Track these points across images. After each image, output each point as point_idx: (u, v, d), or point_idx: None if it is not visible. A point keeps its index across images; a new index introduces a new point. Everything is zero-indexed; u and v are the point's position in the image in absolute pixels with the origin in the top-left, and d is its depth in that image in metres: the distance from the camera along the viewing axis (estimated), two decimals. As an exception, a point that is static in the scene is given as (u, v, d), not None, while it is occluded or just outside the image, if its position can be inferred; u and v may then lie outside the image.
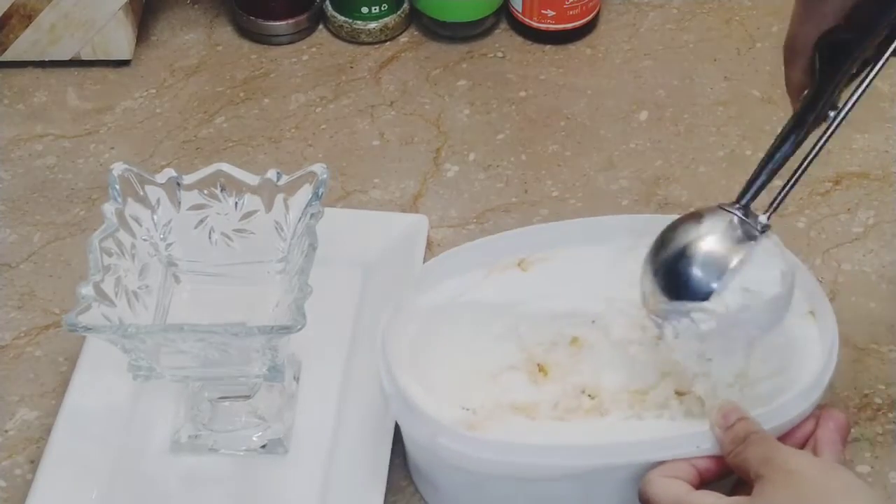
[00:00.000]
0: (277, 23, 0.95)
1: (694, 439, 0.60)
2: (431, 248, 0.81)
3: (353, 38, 0.96)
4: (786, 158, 0.62)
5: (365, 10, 0.94)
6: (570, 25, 0.94)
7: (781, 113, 0.90)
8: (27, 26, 0.90)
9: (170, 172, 0.67)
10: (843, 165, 0.86)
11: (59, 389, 0.73)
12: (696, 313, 0.61)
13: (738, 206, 0.63)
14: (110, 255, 0.64)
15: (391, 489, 0.68)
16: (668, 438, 0.61)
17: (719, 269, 0.61)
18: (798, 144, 0.62)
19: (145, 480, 0.69)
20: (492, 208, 0.84)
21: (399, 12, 0.96)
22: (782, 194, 0.62)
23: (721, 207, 0.63)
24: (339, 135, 0.89)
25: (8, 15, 0.89)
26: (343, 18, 0.95)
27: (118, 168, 0.66)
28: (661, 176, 0.86)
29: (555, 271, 0.69)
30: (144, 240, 0.67)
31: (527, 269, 0.69)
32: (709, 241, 0.61)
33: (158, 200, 0.67)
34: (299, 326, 0.60)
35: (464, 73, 0.93)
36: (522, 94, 0.92)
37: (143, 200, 0.67)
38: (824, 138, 0.62)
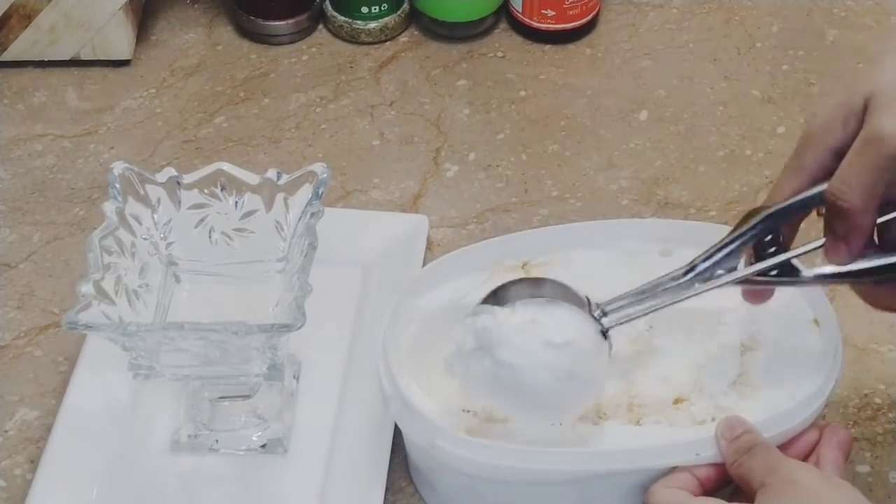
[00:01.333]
0: (277, 23, 0.95)
1: (693, 446, 0.60)
2: (431, 248, 0.81)
3: (353, 38, 0.96)
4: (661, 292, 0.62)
5: (365, 10, 0.94)
6: (569, 25, 0.94)
7: (781, 112, 0.90)
8: (27, 26, 0.90)
9: (170, 171, 0.67)
10: (843, 165, 0.86)
11: (59, 389, 0.73)
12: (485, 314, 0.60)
13: (598, 307, 0.62)
14: (110, 253, 0.64)
15: (391, 489, 0.68)
16: (666, 445, 0.61)
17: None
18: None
19: (145, 480, 0.69)
20: (492, 208, 0.84)
21: (399, 12, 0.96)
22: (633, 317, 0.62)
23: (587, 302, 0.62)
24: (339, 135, 0.89)
25: (8, 15, 0.89)
26: (343, 18, 0.95)
27: (119, 167, 0.66)
28: (661, 176, 0.86)
29: (557, 275, 0.69)
30: (145, 239, 0.67)
31: (530, 273, 0.69)
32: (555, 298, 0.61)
33: (159, 199, 0.67)
34: (299, 325, 0.60)
35: (464, 72, 0.93)
36: (522, 93, 0.92)
37: (144, 199, 0.67)
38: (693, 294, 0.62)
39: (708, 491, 0.60)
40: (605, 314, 0.62)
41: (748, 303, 0.63)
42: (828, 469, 0.60)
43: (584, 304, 0.61)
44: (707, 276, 0.61)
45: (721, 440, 0.60)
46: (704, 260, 0.61)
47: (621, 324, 0.62)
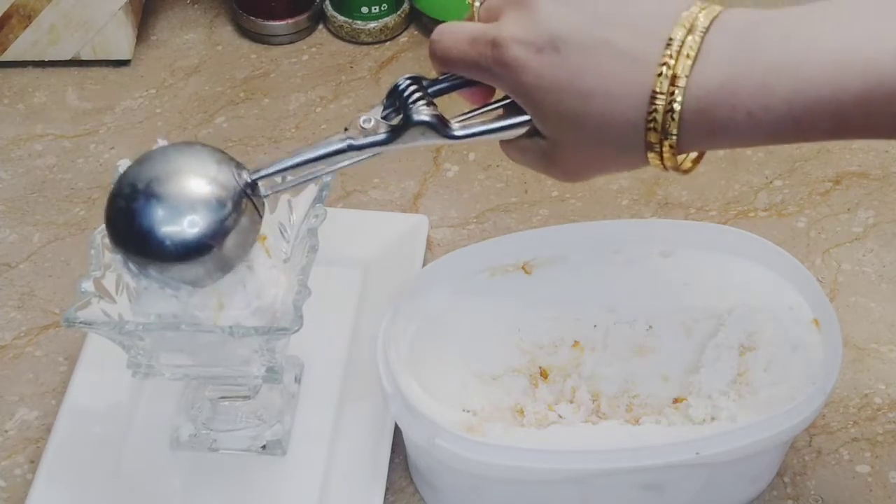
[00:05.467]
0: (277, 23, 0.95)
1: (692, 446, 0.60)
2: (431, 248, 0.81)
3: (353, 38, 0.96)
4: (322, 160, 0.58)
5: (365, 10, 0.94)
6: (570, 25, 0.94)
7: (781, 113, 0.90)
8: (27, 26, 0.90)
9: None
10: (843, 165, 0.86)
11: (59, 389, 0.73)
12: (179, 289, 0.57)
13: (248, 174, 0.58)
14: (112, 251, 0.64)
15: (391, 489, 0.68)
16: (665, 444, 0.61)
17: (224, 261, 0.57)
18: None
19: (145, 480, 0.69)
20: (492, 208, 0.84)
21: (399, 12, 0.96)
22: (291, 183, 0.59)
23: (226, 159, 0.58)
24: (339, 135, 0.89)
25: (8, 15, 0.89)
26: (343, 18, 0.95)
27: (123, 165, 0.66)
28: (661, 176, 0.86)
29: (558, 275, 0.69)
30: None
31: (530, 272, 0.69)
32: (224, 213, 0.55)
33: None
34: (296, 328, 0.60)
35: (464, 72, 0.93)
36: (522, 94, 0.92)
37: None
38: (352, 162, 0.58)
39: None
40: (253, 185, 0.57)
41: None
42: None
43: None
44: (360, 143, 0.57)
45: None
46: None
47: (276, 191, 0.58)
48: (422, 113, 0.57)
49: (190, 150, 0.58)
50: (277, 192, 0.59)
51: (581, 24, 0.51)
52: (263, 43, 0.96)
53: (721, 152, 0.87)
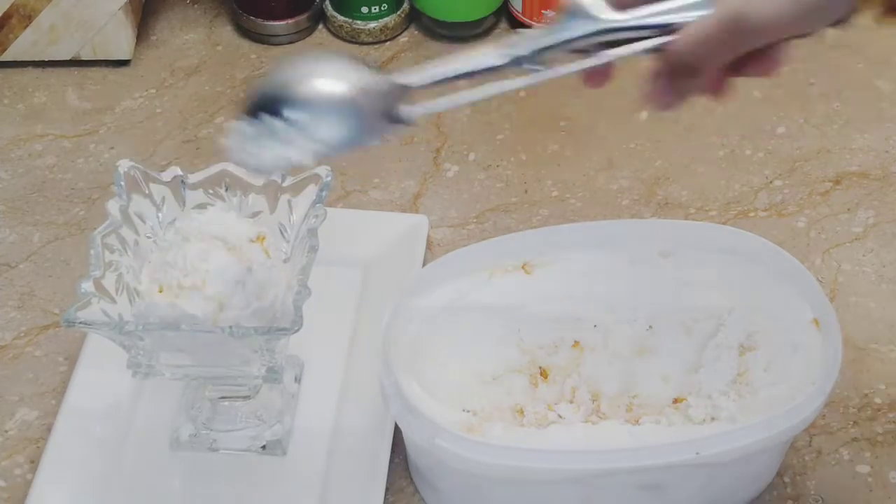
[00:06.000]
0: (277, 23, 0.95)
1: (692, 445, 0.60)
2: (431, 248, 0.81)
3: (353, 38, 0.96)
4: (480, 74, 0.55)
5: (365, 10, 0.94)
6: (570, 25, 0.94)
7: (781, 112, 0.90)
8: (27, 26, 0.90)
9: (175, 171, 0.67)
10: (842, 165, 0.86)
11: (59, 389, 0.73)
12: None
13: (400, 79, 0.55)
14: (112, 251, 0.64)
15: (391, 489, 0.68)
16: (665, 444, 0.61)
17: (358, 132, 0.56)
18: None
19: (145, 480, 0.69)
20: (492, 208, 0.84)
21: (399, 12, 0.96)
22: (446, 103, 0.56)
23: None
24: (339, 135, 0.89)
25: (8, 15, 0.89)
26: (343, 18, 0.95)
27: (124, 165, 0.66)
28: (661, 176, 0.86)
29: (558, 275, 0.69)
30: (148, 237, 0.67)
31: (530, 272, 0.69)
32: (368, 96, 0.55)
33: (163, 198, 0.67)
34: (296, 328, 0.60)
35: (464, 72, 0.93)
36: (522, 93, 0.92)
37: (149, 198, 0.67)
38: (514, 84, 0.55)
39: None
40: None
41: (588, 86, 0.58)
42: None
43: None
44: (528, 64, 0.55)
45: None
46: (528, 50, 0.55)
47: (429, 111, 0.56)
48: None
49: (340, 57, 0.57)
50: (431, 110, 0.56)
51: None
52: (263, 43, 0.96)
53: (720, 152, 0.87)
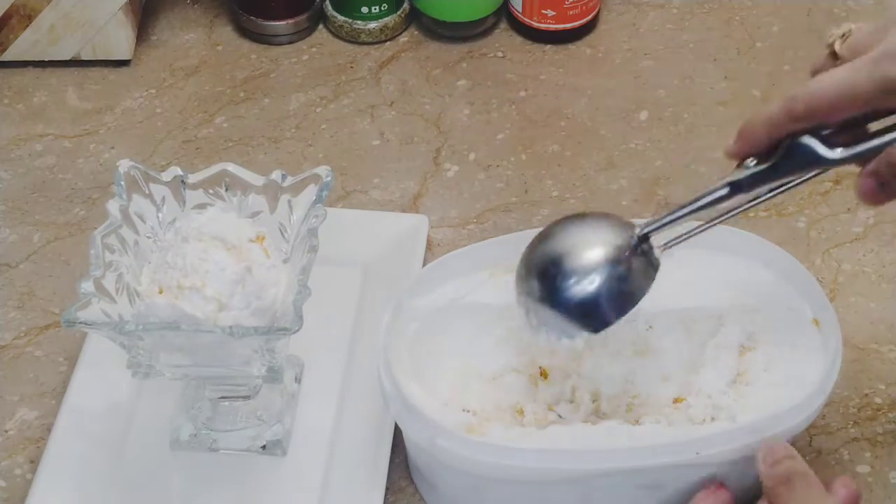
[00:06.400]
0: (277, 23, 0.95)
1: (692, 446, 0.60)
2: (431, 248, 0.81)
3: (353, 38, 0.96)
4: (706, 208, 0.60)
5: (365, 9, 0.94)
6: (570, 25, 0.94)
7: (781, 113, 0.90)
8: (27, 26, 0.90)
9: (175, 171, 0.67)
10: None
11: (59, 389, 0.73)
12: (575, 336, 0.61)
13: (639, 230, 0.61)
14: (112, 251, 0.64)
15: (391, 489, 0.68)
16: (665, 444, 0.61)
17: (621, 307, 0.60)
18: (723, 200, 0.60)
19: (145, 480, 0.69)
20: (492, 208, 0.84)
21: (399, 12, 0.96)
22: (682, 237, 0.62)
23: (623, 224, 0.62)
24: (339, 135, 0.89)
25: (8, 15, 0.89)
26: (343, 18, 0.95)
27: (125, 165, 0.66)
28: (661, 176, 0.86)
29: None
30: (148, 237, 0.67)
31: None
32: (617, 270, 0.60)
33: (163, 198, 0.67)
34: (296, 328, 0.60)
35: (464, 72, 0.93)
36: (522, 94, 0.92)
37: (149, 198, 0.67)
38: (735, 211, 0.61)
39: None
40: (646, 239, 0.61)
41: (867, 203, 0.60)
42: None
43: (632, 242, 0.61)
44: (748, 190, 0.59)
45: (761, 464, 0.59)
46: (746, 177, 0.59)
47: (668, 246, 0.62)
48: (802, 137, 0.57)
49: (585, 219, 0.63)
50: (671, 245, 0.62)
51: None
52: (263, 43, 0.96)
53: (720, 153, 0.87)
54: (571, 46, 0.96)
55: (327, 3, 0.96)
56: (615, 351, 0.67)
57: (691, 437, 0.61)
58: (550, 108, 0.91)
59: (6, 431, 0.72)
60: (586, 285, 0.60)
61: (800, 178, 0.58)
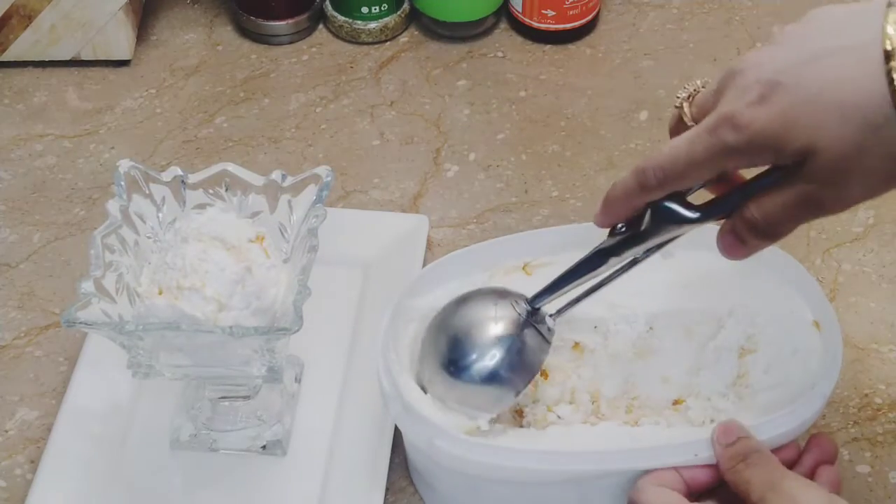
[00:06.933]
0: (277, 23, 0.95)
1: (691, 447, 0.60)
2: (431, 249, 0.81)
3: (353, 38, 0.96)
4: (584, 275, 0.62)
5: (365, 10, 0.94)
6: (570, 25, 0.94)
7: (781, 113, 0.90)
8: (27, 26, 0.90)
9: (175, 171, 0.67)
10: (843, 165, 0.86)
11: (59, 389, 0.73)
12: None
13: (529, 305, 0.64)
14: (112, 251, 0.64)
15: (391, 489, 0.68)
16: (664, 446, 0.61)
17: (522, 378, 0.63)
18: (604, 268, 0.62)
19: (145, 480, 0.69)
20: (492, 208, 0.84)
21: (399, 12, 0.96)
22: (570, 307, 0.64)
23: (511, 301, 0.64)
24: (339, 135, 0.89)
25: (8, 15, 0.89)
26: (343, 18, 0.95)
27: (125, 165, 0.66)
28: (661, 176, 0.86)
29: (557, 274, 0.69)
30: (148, 237, 0.67)
31: (531, 273, 0.69)
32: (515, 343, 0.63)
33: (163, 198, 0.67)
34: (296, 328, 0.60)
35: (464, 73, 0.93)
36: (522, 94, 0.92)
37: (149, 198, 0.67)
38: (608, 276, 0.62)
39: (694, 491, 0.60)
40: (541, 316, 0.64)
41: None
42: (825, 487, 0.59)
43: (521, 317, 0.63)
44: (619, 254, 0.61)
45: (717, 444, 0.59)
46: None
47: (560, 314, 0.64)
48: (664, 201, 0.58)
49: (476, 298, 0.65)
50: (561, 313, 0.64)
51: (789, 59, 0.56)
52: (263, 43, 0.96)
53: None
54: (571, 46, 0.96)
55: (327, 3, 0.96)
56: (615, 352, 0.67)
57: (690, 439, 0.61)
58: (550, 108, 0.91)
59: (6, 431, 0.72)
60: (487, 361, 0.62)
61: (671, 237, 0.59)
